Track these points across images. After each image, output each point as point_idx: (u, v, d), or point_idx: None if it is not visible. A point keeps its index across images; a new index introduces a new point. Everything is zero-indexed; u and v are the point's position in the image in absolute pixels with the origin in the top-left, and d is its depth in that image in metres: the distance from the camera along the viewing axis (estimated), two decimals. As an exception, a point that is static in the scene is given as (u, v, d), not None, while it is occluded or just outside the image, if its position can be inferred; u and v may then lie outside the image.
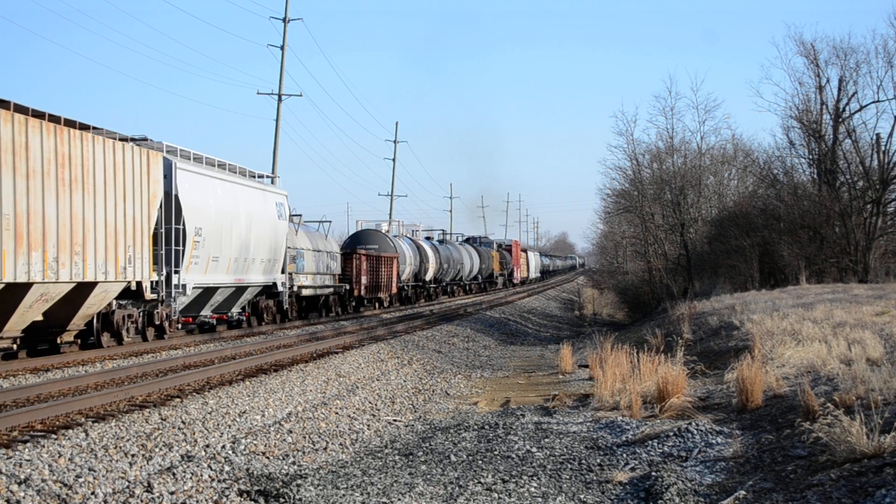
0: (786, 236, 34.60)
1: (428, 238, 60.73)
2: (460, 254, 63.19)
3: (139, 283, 20.17)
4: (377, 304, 42.68)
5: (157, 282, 21.27)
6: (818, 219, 34.51)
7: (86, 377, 15.20)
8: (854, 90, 35.40)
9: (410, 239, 52.42)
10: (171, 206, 21.82)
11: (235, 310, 27.03)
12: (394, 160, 72.43)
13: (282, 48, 46.08)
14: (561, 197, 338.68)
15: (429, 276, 53.19)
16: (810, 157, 37.61)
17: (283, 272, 29.34)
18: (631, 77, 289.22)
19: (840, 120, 35.72)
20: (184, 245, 22.39)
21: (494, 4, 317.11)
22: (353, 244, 43.41)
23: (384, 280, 42.10)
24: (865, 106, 35.48)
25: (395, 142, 72.76)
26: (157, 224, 21.22)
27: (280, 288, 29.24)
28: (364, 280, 38.95)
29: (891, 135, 34.27)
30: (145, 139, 22.23)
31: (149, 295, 20.79)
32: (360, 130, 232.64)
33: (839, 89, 35.55)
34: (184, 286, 22.49)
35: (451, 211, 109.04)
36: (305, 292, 32.82)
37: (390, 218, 67.87)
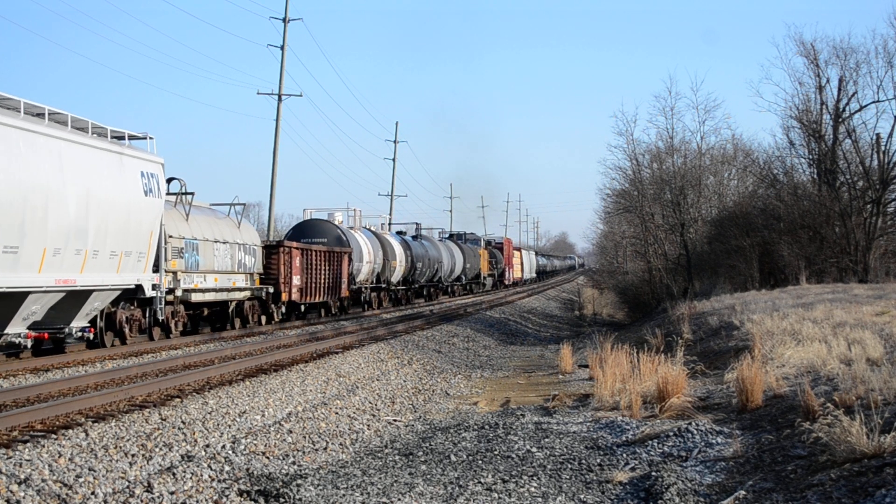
0: (786, 236, 34.60)
1: (400, 233, 52.89)
2: (438, 251, 55.69)
3: None
4: (322, 312, 35.68)
5: None
6: (818, 219, 34.51)
7: (86, 377, 15.20)
8: (854, 90, 35.44)
9: (371, 231, 44.00)
10: None
11: (77, 324, 18.82)
12: (394, 160, 72.49)
13: (282, 48, 46.12)
14: (561, 197, 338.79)
15: (396, 276, 45.54)
16: (810, 157, 37.62)
17: (155, 270, 21.08)
18: (631, 77, 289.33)
19: (840, 120, 35.72)
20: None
21: (494, 4, 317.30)
22: (296, 236, 37.23)
23: (329, 281, 34.57)
24: (865, 106, 35.51)
25: (395, 142, 72.84)
26: None
27: (150, 292, 20.80)
28: (297, 281, 31.13)
29: (891, 135, 34.30)
30: None
31: None
32: (360, 130, 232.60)
33: (839, 89, 35.56)
34: None
35: (451, 211, 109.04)
36: (200, 297, 24.92)
37: (390, 218, 67.06)
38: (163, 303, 21.56)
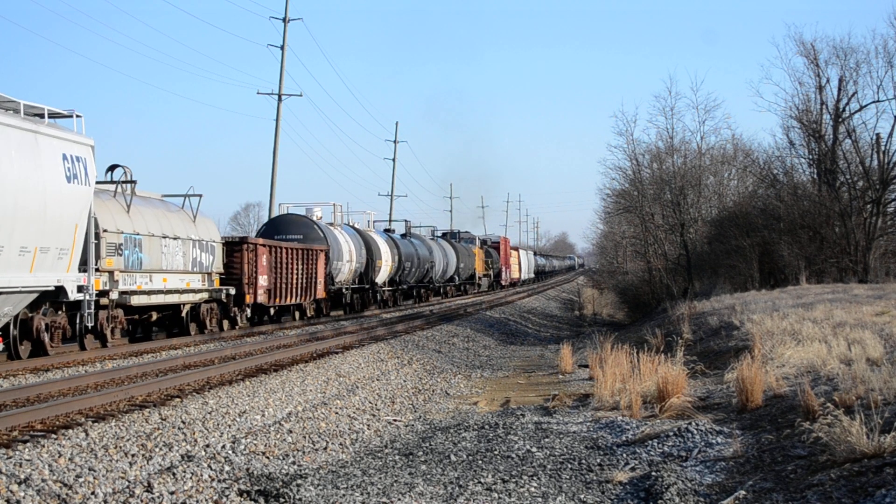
0: (786, 236, 34.62)
1: (388, 230, 50.02)
2: (429, 250, 52.81)
3: None
4: (296, 315, 32.89)
5: None
6: (818, 219, 34.53)
7: (86, 377, 15.20)
8: (854, 90, 35.46)
9: (354, 228, 41.22)
10: None
11: None
12: (394, 160, 72.51)
13: (282, 48, 46.14)
14: (561, 197, 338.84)
15: (381, 276, 42.54)
16: (810, 157, 37.64)
17: (82, 270, 18.22)
18: (631, 77, 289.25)
19: (840, 120, 35.73)
20: None
21: (494, 4, 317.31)
22: (269, 233, 34.65)
23: (302, 281, 31.51)
24: (865, 106, 35.53)
25: (395, 142, 72.85)
26: None
27: (75, 295, 17.89)
28: (264, 281, 28.19)
29: (891, 135, 34.32)
30: None
31: None
32: (360, 130, 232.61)
33: (839, 89, 35.58)
34: None
35: (451, 211, 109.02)
36: (144, 300, 21.91)
37: (390, 218, 66.89)
38: (92, 307, 18.59)
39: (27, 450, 9.71)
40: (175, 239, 23.44)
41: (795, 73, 43.22)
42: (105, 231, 20.07)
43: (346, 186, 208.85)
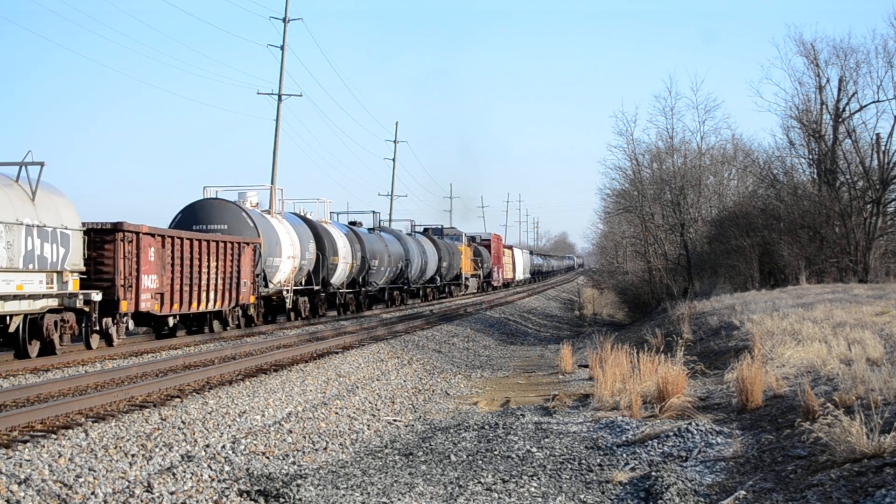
0: (786, 236, 34.63)
1: (353, 223, 42.65)
2: (404, 247, 46.26)
3: None
4: (212, 326, 25.89)
5: None
6: (818, 219, 34.54)
7: (86, 377, 15.20)
8: (854, 90, 35.45)
9: (301, 218, 34.24)
10: None
11: None
12: (394, 160, 72.45)
13: (282, 48, 46.12)
14: (561, 197, 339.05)
15: (339, 276, 35.96)
16: (810, 157, 37.63)
17: None
18: (631, 77, 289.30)
19: (840, 120, 35.73)
20: None
21: (494, 4, 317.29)
22: (186, 222, 27.67)
23: (217, 282, 24.93)
24: (865, 106, 35.52)
25: (395, 142, 72.81)
26: None
27: None
28: (151, 283, 21.59)
29: (891, 135, 34.32)
30: None
31: None
32: (360, 130, 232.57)
33: (839, 89, 35.57)
34: None
35: (450, 211, 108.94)
36: None
37: (390, 218, 66.15)
38: None
39: (27, 450, 9.71)
40: None
41: (795, 73, 43.23)
42: None
43: (347, 186, 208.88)
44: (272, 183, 44.63)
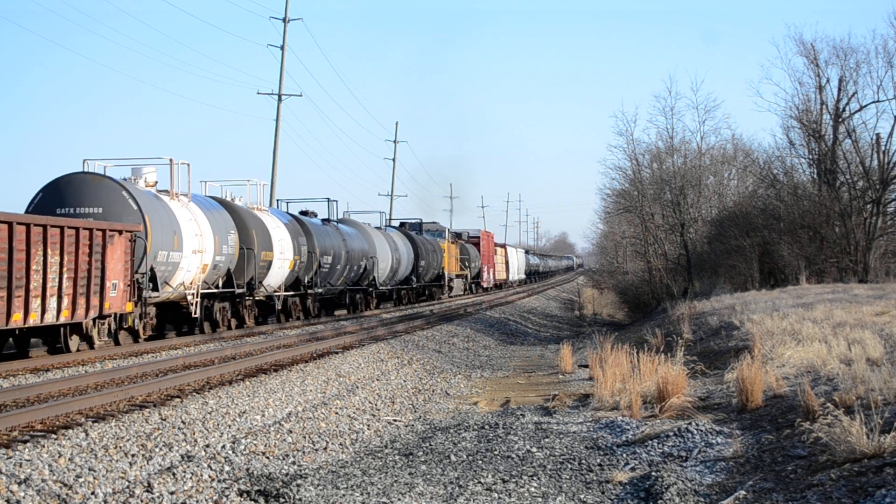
0: (786, 236, 34.62)
1: (303, 212, 35.48)
2: (368, 243, 39.60)
3: None
4: (69, 345, 18.69)
5: None
6: (818, 219, 34.53)
7: (86, 377, 15.20)
8: (854, 90, 35.44)
9: (221, 203, 26.81)
10: None
11: None
12: (394, 160, 72.45)
13: (282, 48, 46.15)
14: (561, 197, 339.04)
15: (274, 277, 29.06)
16: (810, 157, 37.62)
17: None
18: (631, 77, 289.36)
19: (840, 120, 35.73)
20: None
21: (495, 4, 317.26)
22: (49, 204, 20.54)
23: (68, 286, 17.77)
24: (865, 106, 35.51)
25: (395, 142, 72.81)
26: None
27: None
28: None
29: (891, 135, 34.30)
30: None
31: None
32: (360, 130, 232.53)
33: (839, 89, 35.57)
34: None
35: (451, 210, 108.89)
36: None
37: (390, 218, 65.60)
38: None
39: (27, 450, 9.71)
40: None
41: (795, 73, 43.16)
42: None
43: (347, 186, 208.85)
44: (272, 183, 44.48)
